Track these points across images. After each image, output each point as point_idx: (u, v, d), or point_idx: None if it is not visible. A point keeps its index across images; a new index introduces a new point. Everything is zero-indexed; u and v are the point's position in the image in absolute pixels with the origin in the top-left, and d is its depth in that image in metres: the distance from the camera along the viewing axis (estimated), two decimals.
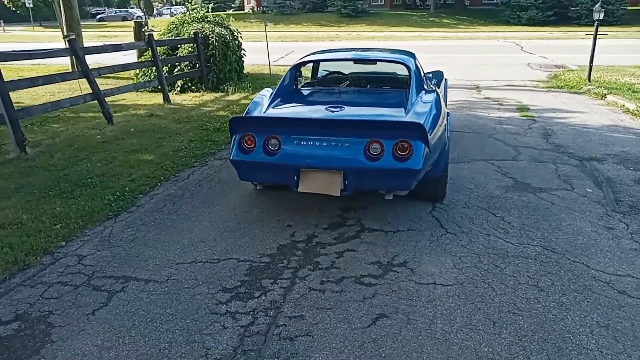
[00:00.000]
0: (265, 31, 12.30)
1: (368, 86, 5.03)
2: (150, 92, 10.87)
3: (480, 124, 7.47)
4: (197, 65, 11.05)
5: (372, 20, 37.09)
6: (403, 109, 4.00)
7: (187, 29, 11.28)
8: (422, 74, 4.85)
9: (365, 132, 3.61)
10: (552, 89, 10.55)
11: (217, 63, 11.23)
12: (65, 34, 14.01)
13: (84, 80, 7.53)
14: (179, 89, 11.27)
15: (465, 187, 4.85)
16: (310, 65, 5.65)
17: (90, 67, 7.46)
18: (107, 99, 9.98)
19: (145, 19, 13.61)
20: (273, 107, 4.32)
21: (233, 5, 52.57)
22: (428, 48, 20.47)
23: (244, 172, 3.92)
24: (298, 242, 3.78)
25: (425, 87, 4.73)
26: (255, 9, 43.99)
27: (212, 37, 11.11)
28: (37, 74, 9.50)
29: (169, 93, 11.20)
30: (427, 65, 14.50)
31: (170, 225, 4.12)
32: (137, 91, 11.02)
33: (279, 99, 4.51)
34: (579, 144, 6.31)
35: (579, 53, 14.87)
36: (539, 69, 13.74)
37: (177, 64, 11.14)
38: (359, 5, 38.99)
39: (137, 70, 11.45)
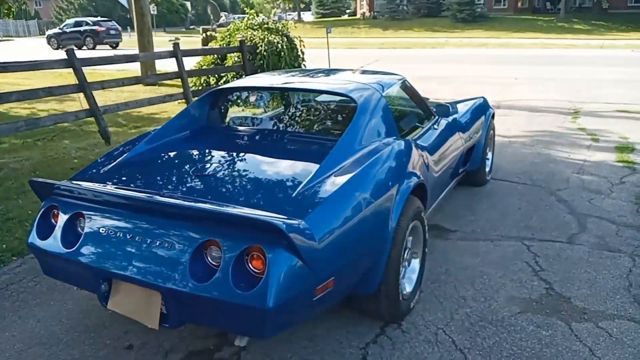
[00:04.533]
0: (327, 38, 10.92)
1: (314, 127, 3.40)
2: None
3: (549, 172, 5.36)
4: (243, 77, 10.03)
5: (490, 26, 33.97)
6: (302, 182, 2.35)
7: (236, 37, 10.33)
8: (390, 115, 3.07)
9: (198, 227, 2.07)
10: None
11: None
12: (139, 41, 13.88)
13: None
14: None
15: (456, 295, 3.04)
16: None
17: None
18: (141, 109, 9.25)
19: (212, 24, 13.03)
20: (120, 164, 2.83)
21: (348, 10, 51.77)
22: (541, 58, 17.65)
23: (44, 264, 2.53)
24: None
25: (390, 135, 2.98)
26: (367, 14, 42.66)
27: (261, 46, 10.01)
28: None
29: None
30: (525, 80, 12.11)
31: None
32: (186, 100, 10.24)
33: (153, 145, 3.04)
34: None
35: None
36: None
37: (223, 74, 10.28)
38: (477, 10, 36.02)
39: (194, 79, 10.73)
